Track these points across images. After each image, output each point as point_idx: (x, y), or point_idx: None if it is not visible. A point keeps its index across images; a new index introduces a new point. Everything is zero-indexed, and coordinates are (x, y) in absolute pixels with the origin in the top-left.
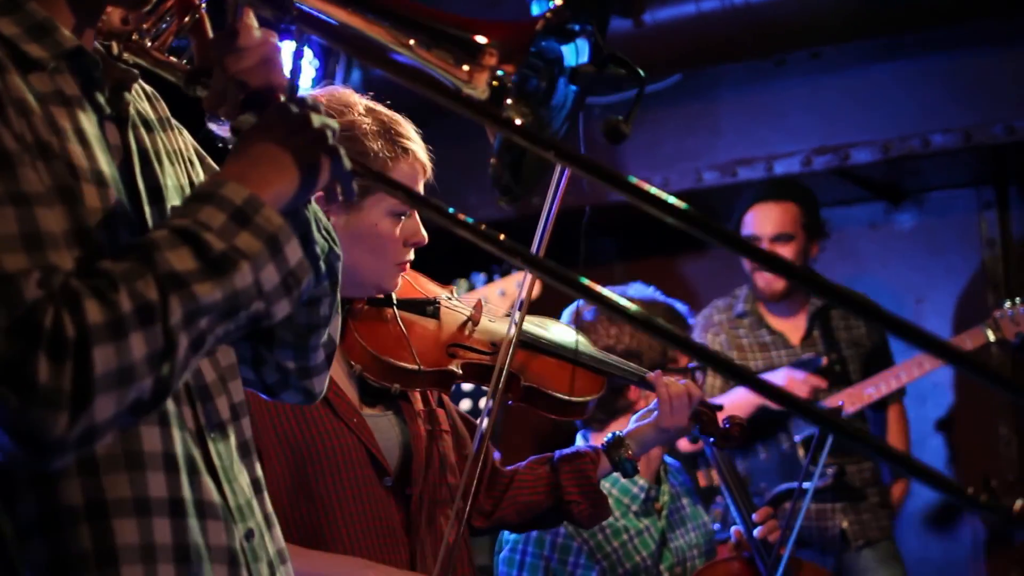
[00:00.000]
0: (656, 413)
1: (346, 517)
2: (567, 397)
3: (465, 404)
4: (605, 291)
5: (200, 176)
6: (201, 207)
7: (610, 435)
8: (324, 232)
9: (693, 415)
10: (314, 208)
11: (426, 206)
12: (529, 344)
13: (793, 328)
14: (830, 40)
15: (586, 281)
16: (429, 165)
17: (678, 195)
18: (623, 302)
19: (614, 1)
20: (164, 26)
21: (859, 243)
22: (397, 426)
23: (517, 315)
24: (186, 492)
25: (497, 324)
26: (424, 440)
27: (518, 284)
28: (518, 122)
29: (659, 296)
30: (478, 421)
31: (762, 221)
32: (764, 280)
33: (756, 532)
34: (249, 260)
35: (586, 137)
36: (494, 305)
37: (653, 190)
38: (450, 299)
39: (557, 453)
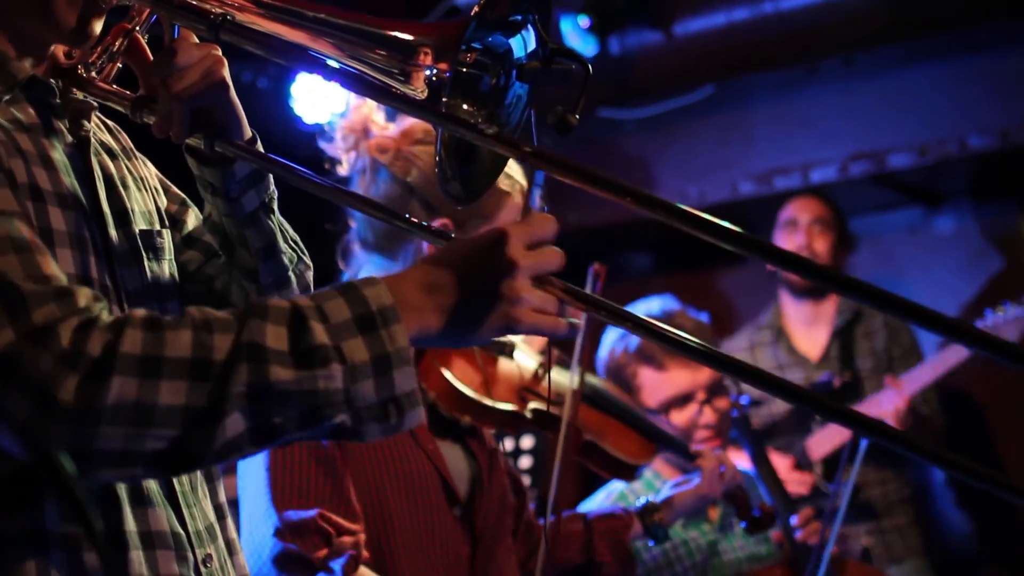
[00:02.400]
0: (694, 483)
1: (414, 542)
2: (623, 458)
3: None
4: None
5: (165, 204)
6: (335, 296)
7: (644, 499)
8: (292, 243)
9: (727, 495)
10: (278, 219)
11: None
12: (593, 400)
13: (813, 344)
14: (863, 45)
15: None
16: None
17: (713, 207)
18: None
19: (643, 14)
20: (107, 58)
21: (898, 249)
22: (466, 459)
23: (577, 371)
24: (129, 524)
25: (563, 374)
26: (491, 476)
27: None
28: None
29: (686, 309)
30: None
31: (802, 208)
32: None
33: (797, 534)
34: (344, 366)
35: (617, 153)
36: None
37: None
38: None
39: (591, 512)
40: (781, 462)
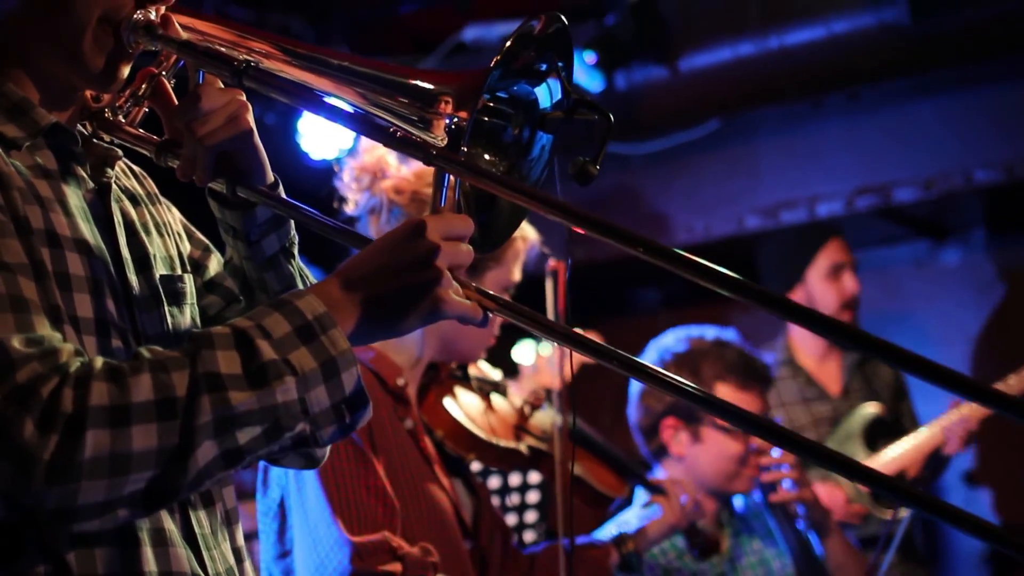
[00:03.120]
0: (660, 514)
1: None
2: (605, 492)
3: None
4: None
5: (188, 249)
6: (271, 313)
7: (616, 532)
8: (307, 284)
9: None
10: (298, 263)
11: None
12: (577, 436)
13: (830, 377)
14: (867, 80)
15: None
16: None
17: (720, 240)
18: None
19: (649, 49)
20: (134, 102)
21: (905, 282)
22: (468, 494)
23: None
24: (149, 565)
25: (547, 413)
26: (488, 510)
27: None
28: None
29: (706, 335)
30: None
31: (846, 250)
32: (847, 312)
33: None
34: (296, 377)
35: (624, 188)
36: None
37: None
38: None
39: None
40: (835, 494)
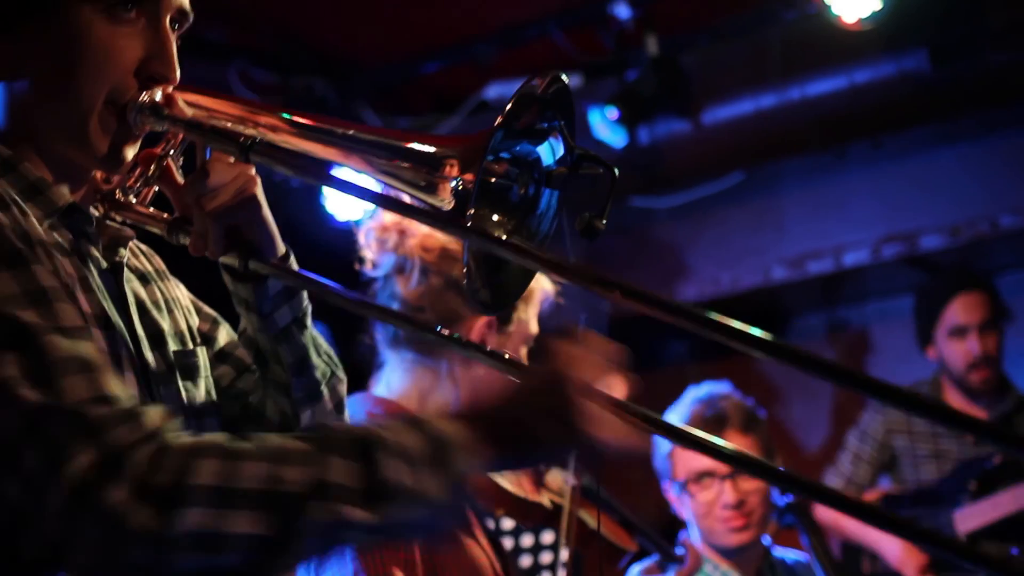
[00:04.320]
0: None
1: None
2: (618, 545)
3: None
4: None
5: (196, 323)
6: (408, 429)
7: None
8: (325, 356)
9: None
10: (312, 333)
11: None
12: (590, 493)
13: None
14: (890, 128)
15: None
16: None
17: (747, 292)
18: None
19: (671, 103)
20: (144, 182)
21: None
22: (495, 552)
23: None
24: None
25: (556, 471)
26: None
27: None
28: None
29: (735, 393)
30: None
31: (968, 311)
32: (979, 362)
33: None
34: (421, 503)
35: (649, 242)
36: None
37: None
38: None
39: None
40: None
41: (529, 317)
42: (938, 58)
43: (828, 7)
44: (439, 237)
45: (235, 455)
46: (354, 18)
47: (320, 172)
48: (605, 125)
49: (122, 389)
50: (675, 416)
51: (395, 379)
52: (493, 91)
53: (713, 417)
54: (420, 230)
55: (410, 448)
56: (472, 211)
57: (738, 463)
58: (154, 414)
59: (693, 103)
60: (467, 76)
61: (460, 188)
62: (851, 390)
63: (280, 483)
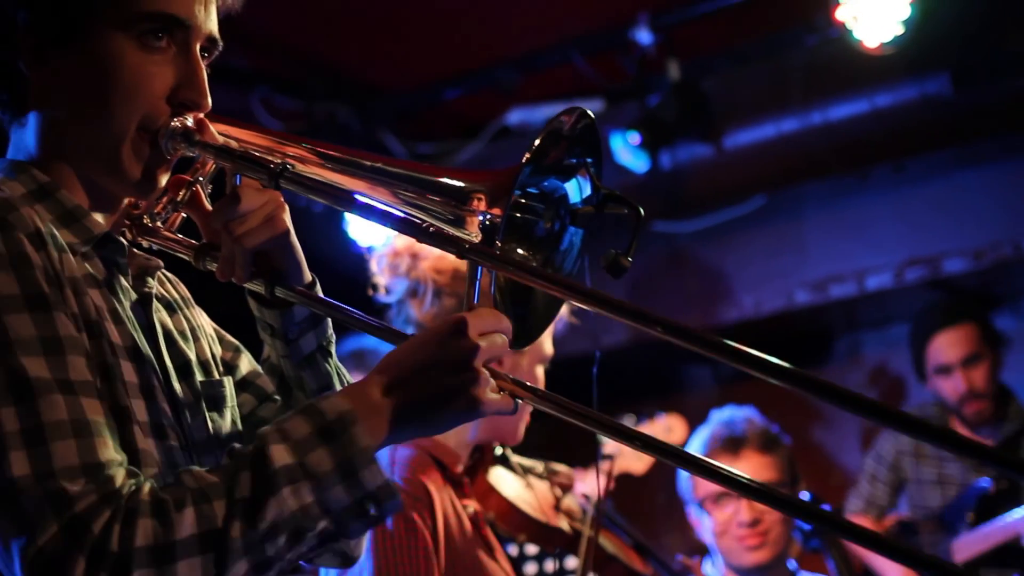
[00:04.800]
0: None
1: None
2: (637, 570)
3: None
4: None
5: (219, 351)
6: (295, 416)
7: None
8: (344, 383)
9: None
10: (335, 362)
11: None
12: (606, 518)
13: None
14: (912, 152)
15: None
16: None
17: (770, 316)
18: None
19: (692, 128)
20: (172, 208)
21: None
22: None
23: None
24: None
25: (574, 496)
26: None
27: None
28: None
29: (757, 417)
30: None
31: (949, 348)
32: (970, 395)
33: None
34: (311, 480)
35: (672, 266)
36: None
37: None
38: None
39: None
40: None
41: (544, 338)
42: (960, 82)
43: (850, 32)
44: (450, 259)
45: (166, 508)
46: (376, 45)
47: (349, 200)
48: (627, 150)
49: (111, 452)
50: (698, 439)
51: None
52: (515, 116)
53: (731, 438)
54: (432, 253)
55: (298, 431)
56: (499, 244)
57: (730, 483)
58: (121, 474)
59: (715, 128)
60: (489, 102)
61: (488, 222)
62: (865, 417)
63: (210, 520)
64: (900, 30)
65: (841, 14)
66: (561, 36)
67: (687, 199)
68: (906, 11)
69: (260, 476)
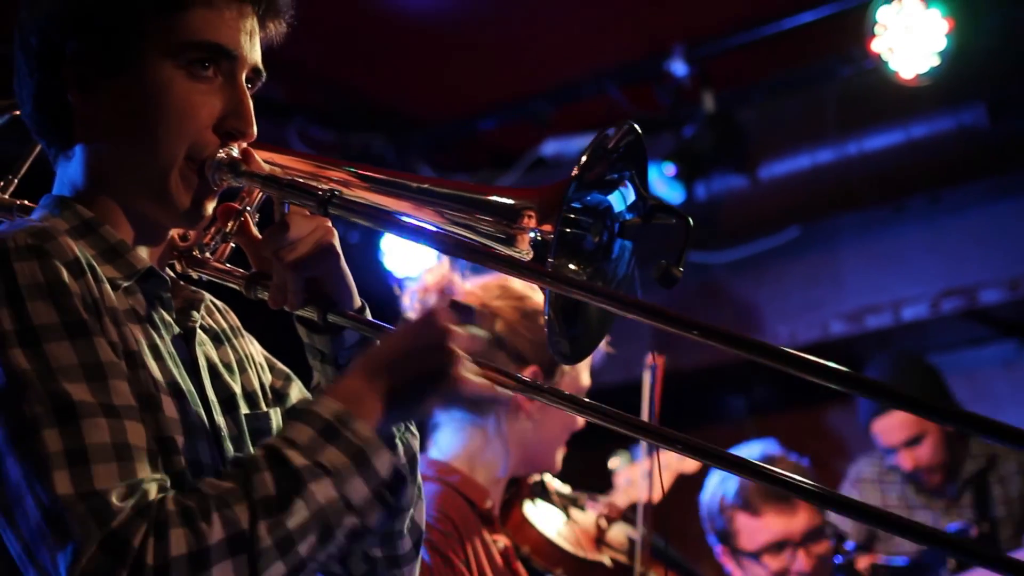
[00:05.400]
0: None
1: None
2: None
3: None
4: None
5: (269, 380)
6: (293, 423)
7: None
8: None
9: None
10: None
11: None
12: (659, 550)
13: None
14: (948, 183)
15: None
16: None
17: (805, 347)
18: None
19: (727, 159)
20: (220, 238)
21: (993, 384)
22: None
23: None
24: None
25: (621, 527)
26: None
27: (678, 458)
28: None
29: (779, 451)
30: None
31: (888, 434)
32: (922, 470)
33: None
34: (331, 476)
35: (707, 296)
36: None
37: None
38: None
39: None
40: None
41: (580, 370)
42: (996, 113)
43: (885, 63)
44: (478, 294)
45: (192, 515)
46: (411, 76)
47: (397, 223)
48: (662, 181)
49: (150, 471)
50: (732, 483)
51: (446, 440)
52: (550, 148)
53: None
54: (462, 288)
55: (302, 435)
56: (551, 260)
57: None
58: (152, 488)
59: (750, 159)
60: (524, 132)
61: (539, 239)
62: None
63: (235, 523)
64: (936, 61)
65: (876, 46)
66: (596, 67)
67: (722, 230)
68: (942, 43)
69: (282, 476)
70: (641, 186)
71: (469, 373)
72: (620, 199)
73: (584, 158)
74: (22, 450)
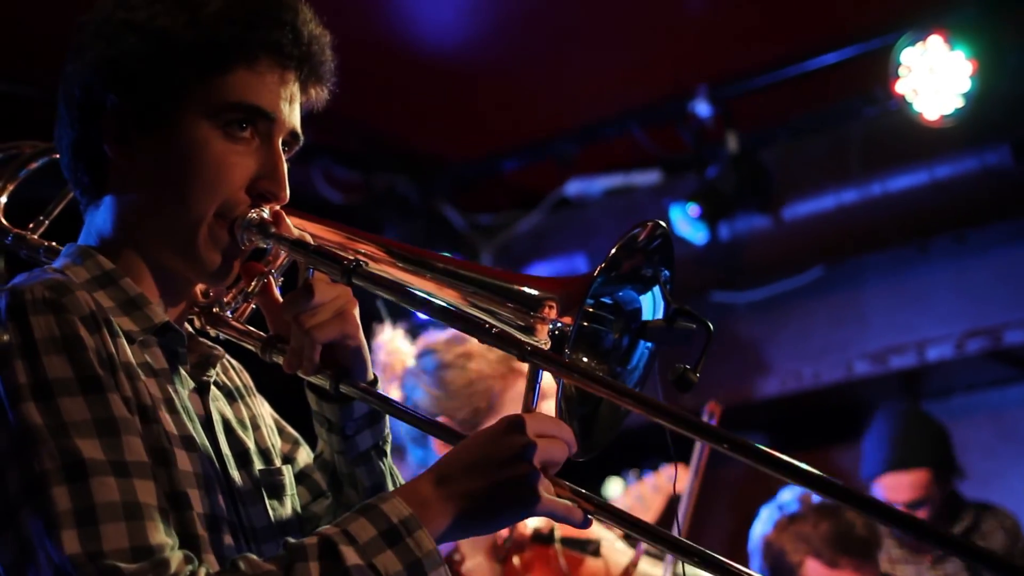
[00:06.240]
0: None
1: None
2: None
3: None
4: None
5: (279, 443)
6: (357, 518)
7: None
8: (396, 484)
9: None
10: (389, 463)
11: None
12: None
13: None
14: (973, 223)
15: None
16: None
17: (829, 387)
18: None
19: (751, 199)
20: (242, 298)
21: (1019, 425)
22: None
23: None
24: None
25: (654, 566)
26: None
27: (669, 479)
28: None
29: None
30: None
31: (893, 491)
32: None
33: None
34: None
35: (730, 336)
36: (647, 500)
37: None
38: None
39: None
40: None
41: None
42: (1020, 153)
43: (909, 104)
44: (440, 350)
45: None
46: (435, 116)
47: (417, 300)
48: (686, 221)
49: (161, 536)
50: (758, 526)
51: None
52: (573, 187)
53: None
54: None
55: (364, 533)
56: (568, 352)
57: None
58: (176, 559)
59: (774, 199)
60: (548, 173)
61: (557, 331)
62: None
63: None
64: (960, 103)
65: (901, 87)
66: (620, 108)
67: (746, 270)
68: (966, 84)
69: (330, 570)
70: (667, 288)
71: (546, 491)
72: (646, 299)
73: (612, 252)
74: (34, 505)
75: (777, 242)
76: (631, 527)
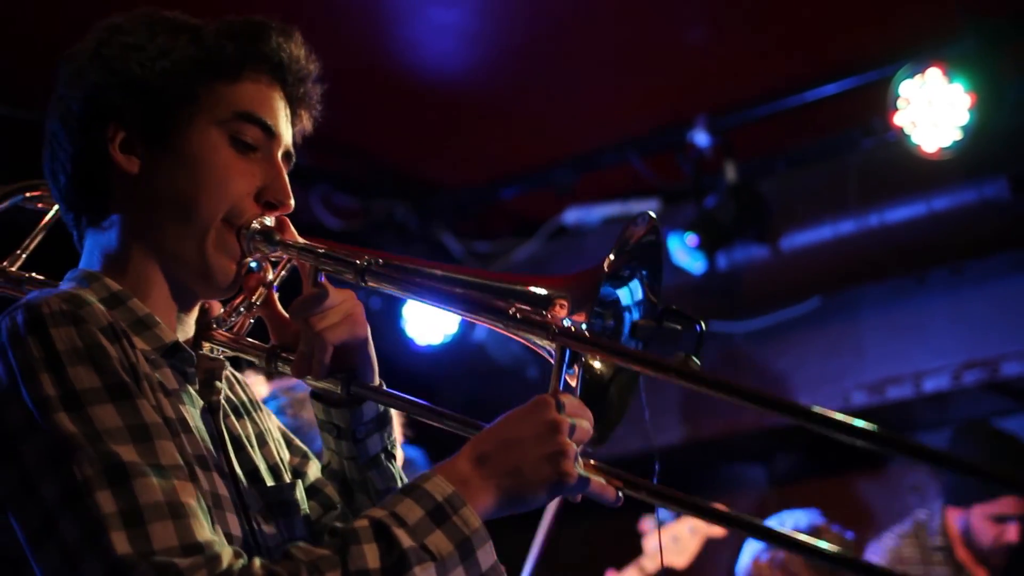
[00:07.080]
0: None
1: None
2: None
3: None
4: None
5: (287, 456)
6: (403, 499)
7: None
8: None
9: None
10: (398, 466)
11: None
12: None
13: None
14: (970, 255)
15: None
16: None
17: None
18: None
19: (749, 229)
20: (241, 312)
21: None
22: None
23: None
24: None
25: None
26: None
27: (690, 530)
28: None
29: (821, 521)
30: None
31: (990, 525)
32: (994, 549)
33: None
34: (436, 562)
35: (727, 366)
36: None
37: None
38: None
39: None
40: None
41: None
42: (1019, 186)
43: (908, 136)
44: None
45: None
46: (434, 143)
47: (436, 291)
48: (684, 251)
49: (208, 533)
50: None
51: None
52: (571, 216)
53: None
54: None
55: (412, 514)
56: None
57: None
58: (227, 554)
59: (772, 229)
60: (546, 201)
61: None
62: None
63: None
64: (958, 135)
65: (899, 119)
66: (618, 136)
67: (743, 300)
68: (964, 117)
69: (388, 553)
70: (651, 290)
71: (580, 468)
72: (632, 298)
73: (614, 251)
74: (77, 511)
75: (775, 272)
76: (676, 503)
